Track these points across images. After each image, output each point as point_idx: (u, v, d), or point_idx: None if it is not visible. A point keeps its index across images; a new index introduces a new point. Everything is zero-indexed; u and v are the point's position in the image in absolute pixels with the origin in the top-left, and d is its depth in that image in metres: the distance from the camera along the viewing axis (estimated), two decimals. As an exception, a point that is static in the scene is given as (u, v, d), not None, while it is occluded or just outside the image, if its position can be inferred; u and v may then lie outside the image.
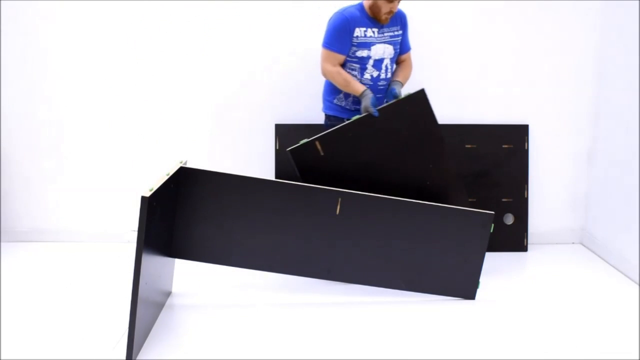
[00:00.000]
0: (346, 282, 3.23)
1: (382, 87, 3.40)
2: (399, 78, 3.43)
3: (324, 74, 3.37)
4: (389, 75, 3.42)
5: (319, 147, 3.21)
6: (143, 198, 2.44)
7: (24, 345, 2.74)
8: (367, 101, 3.23)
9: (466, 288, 3.19)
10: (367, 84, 3.34)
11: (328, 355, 2.67)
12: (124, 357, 2.55)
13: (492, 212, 3.10)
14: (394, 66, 3.48)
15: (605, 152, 3.85)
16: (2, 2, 3.86)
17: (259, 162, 4.02)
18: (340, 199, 3.04)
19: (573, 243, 4.14)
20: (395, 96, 3.30)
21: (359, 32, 3.28)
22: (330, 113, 3.48)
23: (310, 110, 3.98)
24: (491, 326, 2.94)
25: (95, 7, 3.87)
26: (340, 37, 3.28)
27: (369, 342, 2.78)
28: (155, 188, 2.55)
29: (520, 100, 3.97)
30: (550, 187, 4.08)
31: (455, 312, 3.08)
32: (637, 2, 3.43)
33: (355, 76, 3.34)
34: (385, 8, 3.21)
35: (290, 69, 3.96)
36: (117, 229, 4.09)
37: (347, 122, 3.25)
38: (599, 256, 3.88)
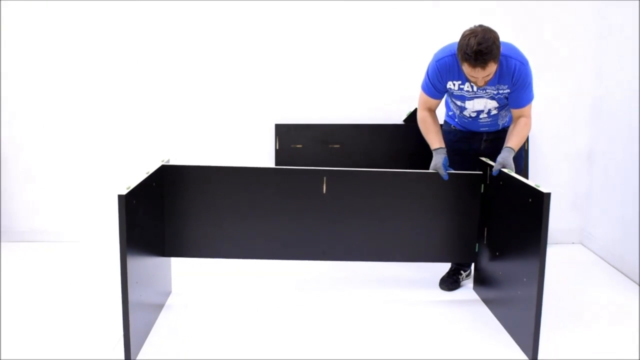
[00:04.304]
0: (343, 261, 3.18)
1: (484, 123, 3.10)
2: (511, 144, 2.93)
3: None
4: (494, 112, 3.04)
5: None
6: (120, 196, 2.44)
7: (24, 345, 2.74)
8: (437, 160, 3.01)
9: (464, 251, 3.15)
10: (466, 120, 3.11)
11: (328, 355, 2.67)
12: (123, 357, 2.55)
13: (481, 172, 3.06)
14: (505, 112, 3.07)
15: (605, 152, 3.85)
16: (1, 2, 3.86)
17: (259, 162, 4.02)
18: (325, 178, 3.02)
19: (573, 243, 4.15)
20: (505, 168, 2.87)
21: (452, 85, 2.95)
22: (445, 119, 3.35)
23: (310, 110, 3.99)
24: (491, 326, 2.94)
25: (96, 7, 3.87)
26: (431, 84, 3.00)
27: (369, 343, 2.78)
28: (132, 186, 2.55)
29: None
30: (550, 188, 4.06)
31: (456, 312, 3.08)
32: (637, 2, 3.43)
33: (458, 109, 3.09)
34: (468, 72, 2.74)
35: (290, 69, 3.96)
36: (117, 229, 4.08)
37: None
38: (599, 256, 3.88)
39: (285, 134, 3.91)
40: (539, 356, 2.60)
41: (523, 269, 2.66)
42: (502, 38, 3.03)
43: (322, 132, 3.91)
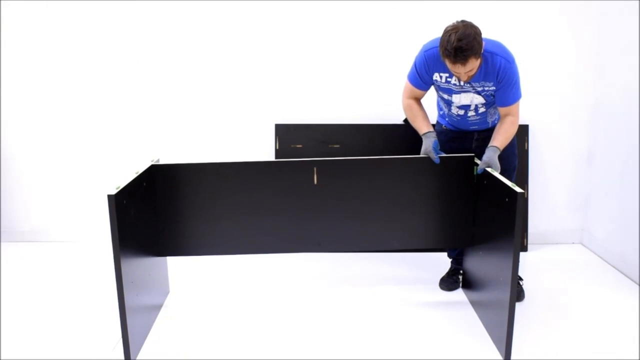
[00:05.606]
0: (339, 252, 3.15)
1: (473, 121, 3.08)
2: (496, 142, 2.91)
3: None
4: (482, 110, 3.02)
5: None
6: (109, 196, 2.44)
7: (24, 345, 2.75)
8: (427, 144, 2.99)
9: (461, 236, 3.12)
10: (455, 118, 3.10)
11: (328, 355, 2.67)
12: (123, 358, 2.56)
13: (473, 154, 3.04)
14: (493, 110, 3.06)
15: (605, 152, 3.84)
16: (2, 2, 3.86)
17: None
18: (315, 168, 3.00)
19: (573, 243, 4.15)
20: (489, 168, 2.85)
21: (438, 77, 2.93)
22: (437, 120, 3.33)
23: (310, 110, 3.99)
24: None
25: (93, 8, 3.87)
26: (418, 75, 2.97)
27: (368, 343, 2.79)
28: (122, 186, 2.55)
29: (520, 100, 3.98)
30: (551, 187, 4.08)
31: (455, 312, 3.08)
32: (637, 2, 3.43)
33: (446, 105, 3.08)
34: (450, 68, 2.73)
35: (290, 69, 3.96)
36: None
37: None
38: (599, 256, 3.88)
39: (285, 134, 3.91)
40: (522, 356, 2.63)
41: (499, 268, 2.67)
42: (502, 38, 3.04)
43: (322, 132, 3.92)
